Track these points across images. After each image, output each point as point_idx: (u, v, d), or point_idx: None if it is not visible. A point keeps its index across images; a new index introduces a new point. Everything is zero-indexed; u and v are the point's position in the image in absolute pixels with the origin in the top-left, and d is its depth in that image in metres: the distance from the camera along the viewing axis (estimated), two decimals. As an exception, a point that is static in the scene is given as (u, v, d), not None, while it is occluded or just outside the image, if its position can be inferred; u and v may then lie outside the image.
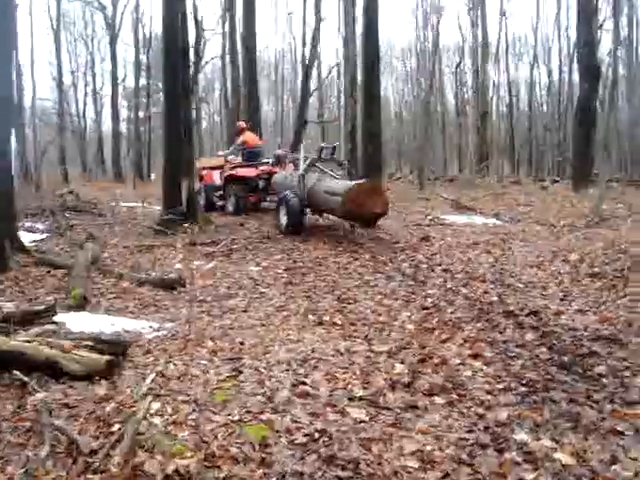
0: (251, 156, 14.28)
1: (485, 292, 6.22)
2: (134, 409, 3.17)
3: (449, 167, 40.82)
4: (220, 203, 14.28)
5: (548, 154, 36.34)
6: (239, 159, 14.45)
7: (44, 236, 10.55)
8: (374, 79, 17.85)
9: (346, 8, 21.74)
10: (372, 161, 17.85)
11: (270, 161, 13.81)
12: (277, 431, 3.05)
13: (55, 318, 5.59)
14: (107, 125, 40.92)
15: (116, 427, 3.06)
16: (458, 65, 41.07)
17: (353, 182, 10.14)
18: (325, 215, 11.24)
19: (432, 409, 3.42)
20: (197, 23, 25.59)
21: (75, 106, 42.78)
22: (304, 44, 30.37)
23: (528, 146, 37.66)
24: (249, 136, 14.94)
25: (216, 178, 14.49)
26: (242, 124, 15.86)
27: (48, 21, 34.23)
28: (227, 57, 27.08)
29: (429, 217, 12.09)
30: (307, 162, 11.12)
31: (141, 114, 37.59)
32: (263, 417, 3.20)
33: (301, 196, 10.62)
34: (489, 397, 3.58)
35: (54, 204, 13.55)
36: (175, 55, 11.30)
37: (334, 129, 40.42)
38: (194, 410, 3.25)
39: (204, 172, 15.04)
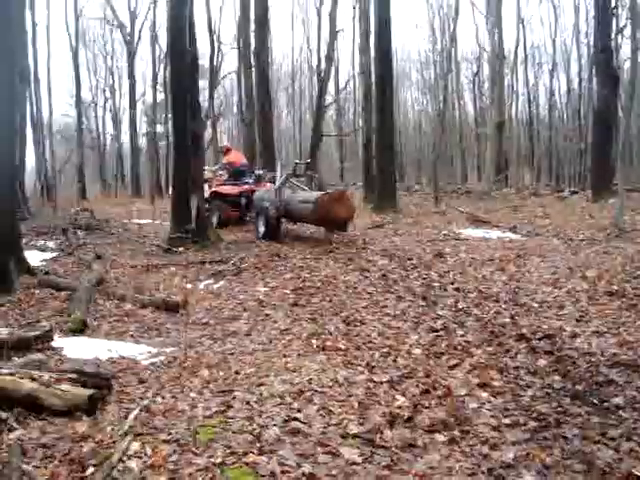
0: (237, 174, 15.35)
1: (498, 313, 5.95)
2: (111, 450, 2.98)
3: (469, 178, 40.34)
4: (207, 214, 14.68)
5: (569, 163, 35.79)
6: (225, 176, 15.51)
7: (54, 255, 10.46)
8: (387, 91, 17.62)
9: (361, 20, 21.64)
10: (385, 173, 17.59)
11: (252, 180, 15.05)
12: (261, 475, 2.83)
13: (53, 343, 5.47)
14: (126, 140, 41.20)
15: (90, 471, 2.87)
16: (476, 74, 40.79)
17: (322, 193, 11.54)
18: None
19: (432, 448, 3.18)
20: (212, 36, 25.65)
21: (95, 122, 43.22)
22: (319, 58, 30.30)
23: (548, 156, 37.15)
24: (234, 156, 16.17)
25: (205, 191, 14.86)
26: (227, 145, 17.72)
27: (67, 38, 34.37)
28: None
29: (444, 232, 11.81)
30: (283, 178, 12.34)
31: (160, 129, 37.83)
32: (248, 459, 2.97)
33: (278, 207, 11.79)
34: (495, 434, 3.33)
35: (67, 222, 13.48)
36: (181, 66, 11.17)
37: (351, 141, 40.39)
38: (175, 451, 3.04)
39: None
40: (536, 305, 6.11)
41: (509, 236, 11.23)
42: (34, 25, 25.65)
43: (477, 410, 3.64)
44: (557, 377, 4.19)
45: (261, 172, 15.71)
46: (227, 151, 16.47)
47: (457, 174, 41.05)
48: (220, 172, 15.67)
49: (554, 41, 35.99)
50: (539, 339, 5.03)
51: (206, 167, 17.17)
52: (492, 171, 24.54)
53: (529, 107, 37.84)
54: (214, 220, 14.38)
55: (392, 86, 18.42)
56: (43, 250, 10.79)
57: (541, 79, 40.03)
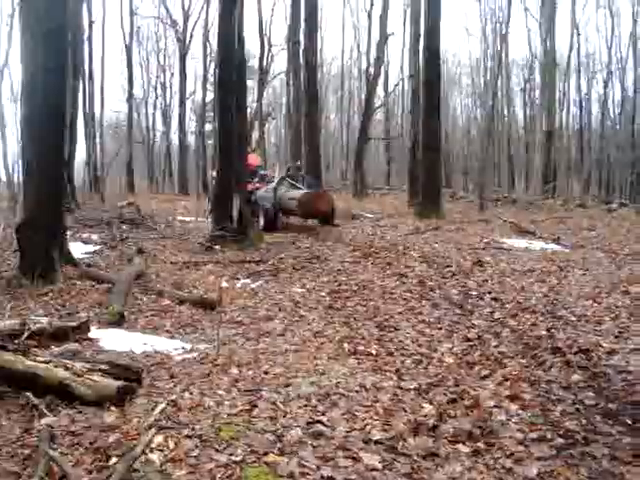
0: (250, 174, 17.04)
1: (534, 325, 5.83)
2: (135, 442, 3.03)
3: (517, 187, 39.67)
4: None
5: (620, 174, 34.85)
6: None
7: (97, 248, 10.70)
8: (434, 95, 17.50)
9: (411, 24, 21.53)
10: (430, 178, 17.45)
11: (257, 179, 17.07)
12: (280, 476, 2.85)
13: (90, 334, 5.59)
14: (175, 138, 41.79)
15: (113, 460, 2.93)
16: (527, 81, 40.11)
17: (305, 191, 14.60)
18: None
19: (454, 458, 3.14)
20: (262, 37, 25.85)
21: (145, 118, 43.94)
22: (368, 61, 30.27)
23: (599, 166, 36.28)
24: (250, 158, 17.83)
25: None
26: None
27: (121, 35, 35.15)
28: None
29: (485, 240, 11.64)
30: (278, 179, 15.50)
31: (209, 127, 38.28)
32: (268, 459, 2.99)
33: (274, 204, 14.52)
34: (520, 448, 3.26)
35: (112, 216, 13.77)
36: (229, 68, 11.32)
37: (399, 145, 40.20)
38: (197, 446, 3.08)
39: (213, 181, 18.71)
40: (574, 319, 5.96)
41: (552, 247, 11.01)
42: (90, 23, 26.38)
43: (504, 423, 3.57)
44: (590, 393, 4.08)
45: (264, 172, 18.32)
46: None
47: (504, 182, 40.42)
48: None
49: (610, 49, 35.16)
50: (574, 353, 4.90)
51: None
52: (539, 180, 24.11)
53: (580, 116, 37.04)
54: None
55: (439, 90, 18.26)
56: (87, 242, 11.06)
57: (594, 87, 39.20)
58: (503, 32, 26.43)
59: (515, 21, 40.25)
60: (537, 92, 35.30)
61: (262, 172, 18.07)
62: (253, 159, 18.30)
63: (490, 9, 37.95)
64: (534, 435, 3.41)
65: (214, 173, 20.31)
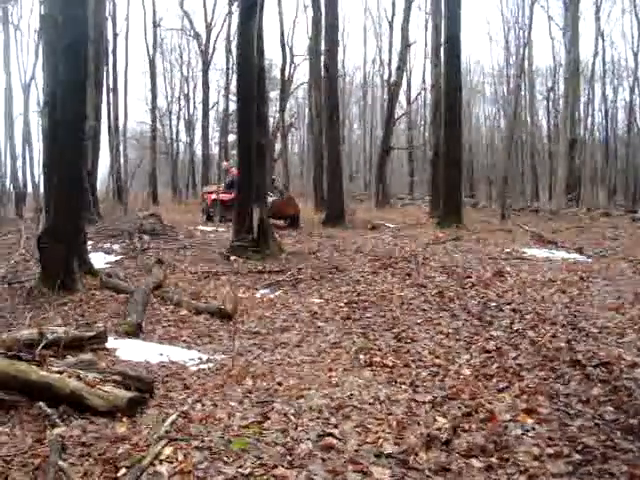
0: (231, 185, 18.24)
1: (554, 336, 5.71)
2: (144, 453, 3.02)
3: (541, 197, 39.26)
4: (211, 215, 20.00)
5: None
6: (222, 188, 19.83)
7: (118, 258, 10.78)
8: (455, 104, 17.37)
9: (433, 33, 21.48)
10: (451, 188, 17.32)
11: None
12: (288, 490, 2.81)
13: (107, 344, 5.62)
14: (199, 148, 42.04)
15: (122, 472, 2.92)
16: (550, 89, 39.74)
17: (277, 197, 17.79)
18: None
19: (467, 474, 3.08)
20: (284, 48, 25.97)
21: (169, 129, 44.30)
22: (390, 71, 30.27)
23: (625, 175, 35.73)
24: (234, 172, 19.21)
25: (210, 199, 20.36)
26: (227, 164, 22.90)
27: (145, 47, 35.58)
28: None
29: (506, 250, 11.51)
30: None
31: (232, 138, 38.49)
32: (276, 472, 2.96)
33: None
34: (535, 463, 3.19)
35: (134, 226, 13.85)
36: (248, 79, 11.34)
37: (422, 155, 40.07)
38: (205, 459, 3.06)
39: (205, 195, 21.71)
40: (595, 330, 5.84)
41: (575, 257, 10.85)
42: (114, 35, 26.76)
43: (519, 437, 3.50)
44: (610, 408, 3.98)
45: None
46: (229, 170, 20.60)
47: (528, 192, 40.05)
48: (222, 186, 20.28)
49: (636, 55, 34.64)
50: (595, 366, 4.80)
51: (218, 184, 22.11)
52: (563, 189, 23.83)
53: (606, 123, 36.58)
54: (216, 219, 19.02)
55: (460, 100, 18.15)
56: (108, 253, 11.14)
57: (620, 94, 38.71)
58: (525, 40, 26.23)
59: (539, 29, 39.92)
60: (561, 101, 34.97)
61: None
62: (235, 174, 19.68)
63: (513, 16, 37.76)
64: (550, 450, 3.34)
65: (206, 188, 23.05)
